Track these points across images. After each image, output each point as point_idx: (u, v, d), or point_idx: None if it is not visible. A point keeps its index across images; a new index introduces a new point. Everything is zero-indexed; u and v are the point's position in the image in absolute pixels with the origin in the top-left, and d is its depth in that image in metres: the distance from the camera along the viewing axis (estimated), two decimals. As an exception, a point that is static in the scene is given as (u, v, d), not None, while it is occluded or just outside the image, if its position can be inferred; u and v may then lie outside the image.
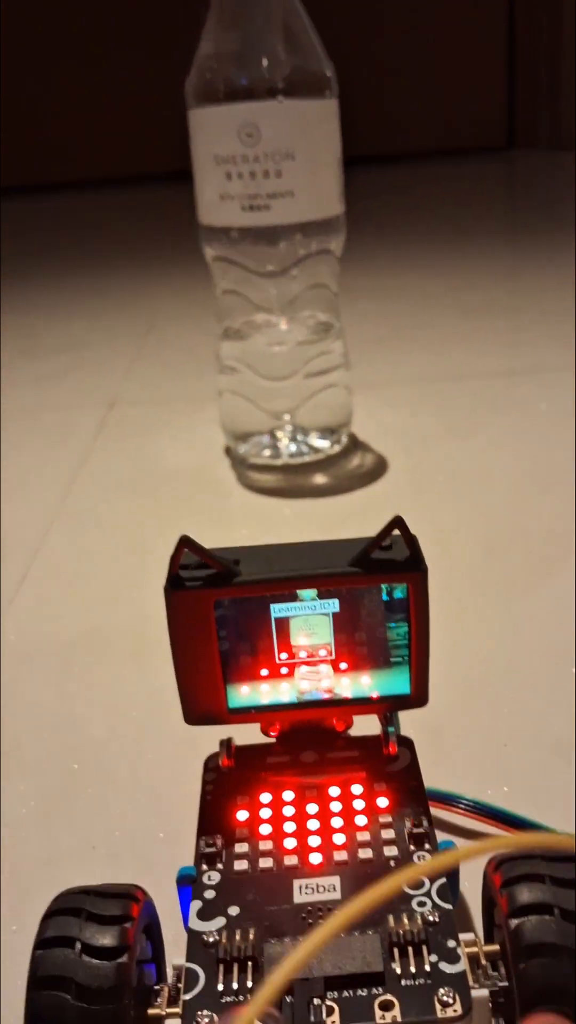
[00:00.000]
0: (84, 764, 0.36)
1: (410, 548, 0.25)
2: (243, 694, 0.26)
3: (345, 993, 0.21)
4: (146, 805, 0.33)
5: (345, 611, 0.26)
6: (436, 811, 0.30)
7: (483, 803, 0.30)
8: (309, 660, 0.26)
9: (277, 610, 0.25)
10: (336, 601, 0.25)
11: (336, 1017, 0.20)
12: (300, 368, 0.55)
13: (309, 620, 0.26)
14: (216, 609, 0.25)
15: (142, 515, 0.55)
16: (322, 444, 0.58)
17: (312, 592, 0.25)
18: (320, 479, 0.57)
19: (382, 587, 0.25)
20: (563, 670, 0.38)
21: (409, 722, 0.34)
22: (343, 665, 0.26)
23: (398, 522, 0.24)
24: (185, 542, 0.24)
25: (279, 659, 0.26)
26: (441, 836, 0.25)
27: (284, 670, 0.26)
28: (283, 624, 0.26)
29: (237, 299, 0.55)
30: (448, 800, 0.30)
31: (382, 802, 0.25)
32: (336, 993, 0.21)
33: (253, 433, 0.58)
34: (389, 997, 0.21)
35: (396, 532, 0.25)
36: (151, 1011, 0.21)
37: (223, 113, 0.49)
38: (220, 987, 0.21)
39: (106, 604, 0.46)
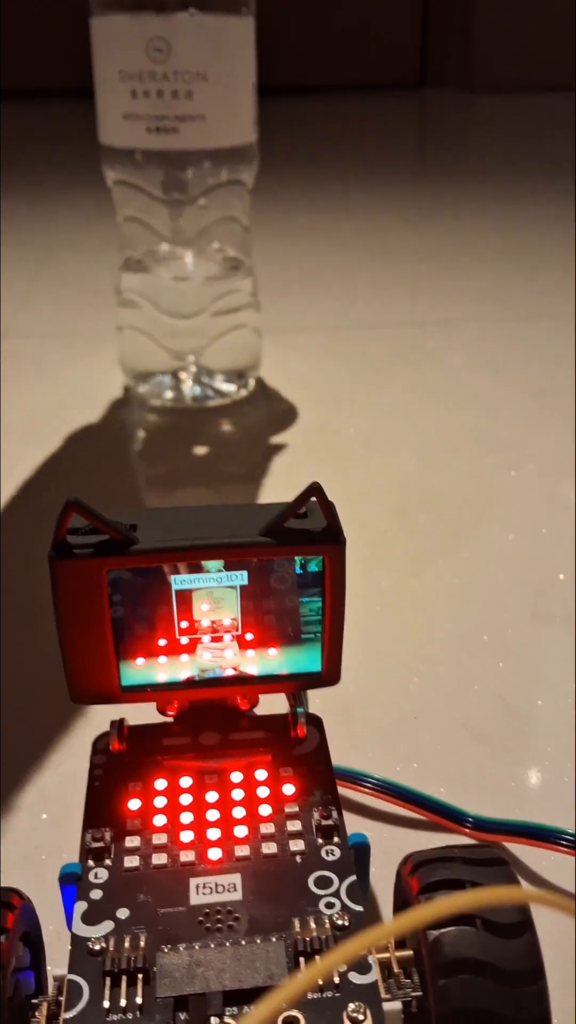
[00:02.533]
0: None
1: (328, 518, 0.22)
2: (138, 670, 0.24)
3: (246, 1008, 0.19)
4: (26, 791, 0.30)
5: (254, 583, 0.23)
6: (343, 790, 0.28)
7: (391, 782, 0.28)
8: (212, 634, 0.24)
9: (178, 581, 0.23)
10: (244, 573, 0.23)
11: (235, 1037, 0.18)
12: (207, 306, 0.52)
13: (213, 592, 0.23)
14: (108, 579, 0.22)
15: (29, 462, 0.51)
16: (228, 388, 0.55)
17: (218, 563, 0.23)
18: (226, 426, 0.54)
19: (296, 560, 0.23)
20: (474, 640, 0.37)
21: (315, 697, 0.32)
22: (249, 639, 0.24)
23: (315, 489, 0.22)
24: (74, 505, 0.21)
25: (179, 633, 0.24)
26: (350, 825, 0.23)
27: (185, 644, 0.24)
28: (184, 595, 0.23)
29: (140, 228, 0.51)
30: (355, 779, 0.28)
31: (288, 789, 0.23)
32: (236, 1009, 0.19)
33: (155, 373, 0.55)
34: (294, 1013, 0.19)
35: (313, 499, 0.22)
36: (27, 1031, 0.19)
37: (130, 24, 0.45)
38: (106, 1003, 0.19)
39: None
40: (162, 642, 0.24)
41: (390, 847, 0.27)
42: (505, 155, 1.37)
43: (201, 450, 0.52)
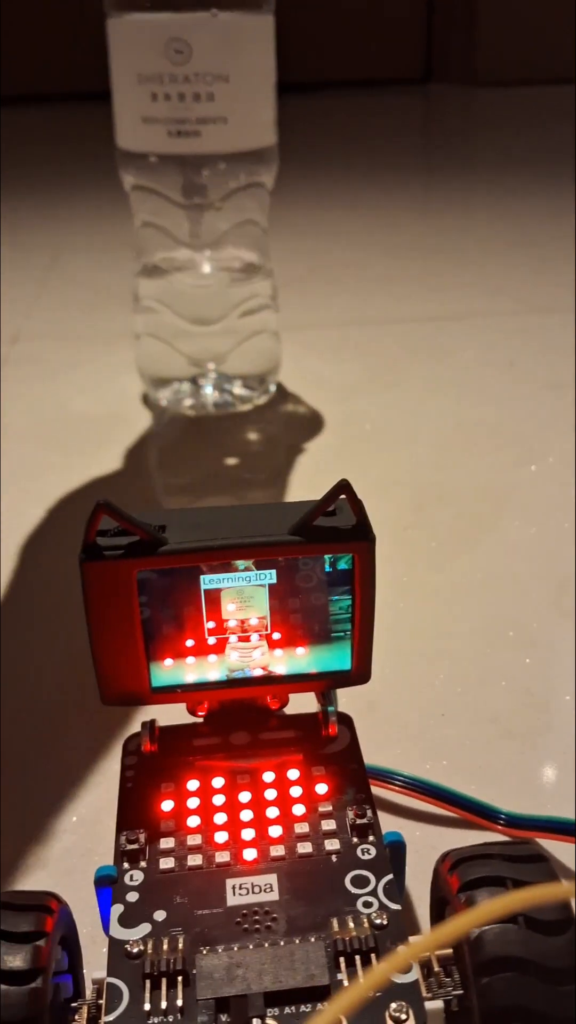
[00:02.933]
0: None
1: (357, 515, 0.22)
2: (167, 671, 0.24)
3: (288, 1010, 0.19)
4: (58, 794, 0.30)
5: (283, 582, 0.23)
6: (374, 788, 0.28)
7: (420, 779, 0.28)
8: (241, 634, 0.24)
9: (207, 581, 0.23)
10: (273, 572, 0.23)
11: (278, 1038, 0.18)
12: (227, 311, 0.52)
13: (243, 591, 0.23)
14: (138, 580, 0.22)
15: (49, 469, 0.51)
16: (248, 393, 0.55)
17: (247, 562, 0.23)
18: (247, 432, 0.54)
19: (325, 558, 0.23)
20: (499, 635, 0.36)
21: (341, 696, 0.32)
22: (278, 639, 0.24)
23: (344, 486, 0.22)
24: (104, 506, 0.21)
25: (208, 633, 0.24)
26: (383, 824, 0.23)
27: (214, 645, 0.24)
28: (214, 596, 0.23)
29: (157, 233, 0.51)
30: (385, 777, 0.28)
31: (321, 788, 0.23)
32: (277, 1010, 0.19)
33: (173, 379, 0.54)
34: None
35: (342, 497, 0.22)
36: (68, 1035, 0.19)
37: (148, 24, 0.44)
38: (147, 1006, 0.19)
39: (8, 570, 0.43)
40: (191, 643, 0.24)
41: (422, 845, 0.27)
42: (512, 147, 1.37)
43: (223, 457, 0.51)
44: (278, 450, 0.52)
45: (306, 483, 0.48)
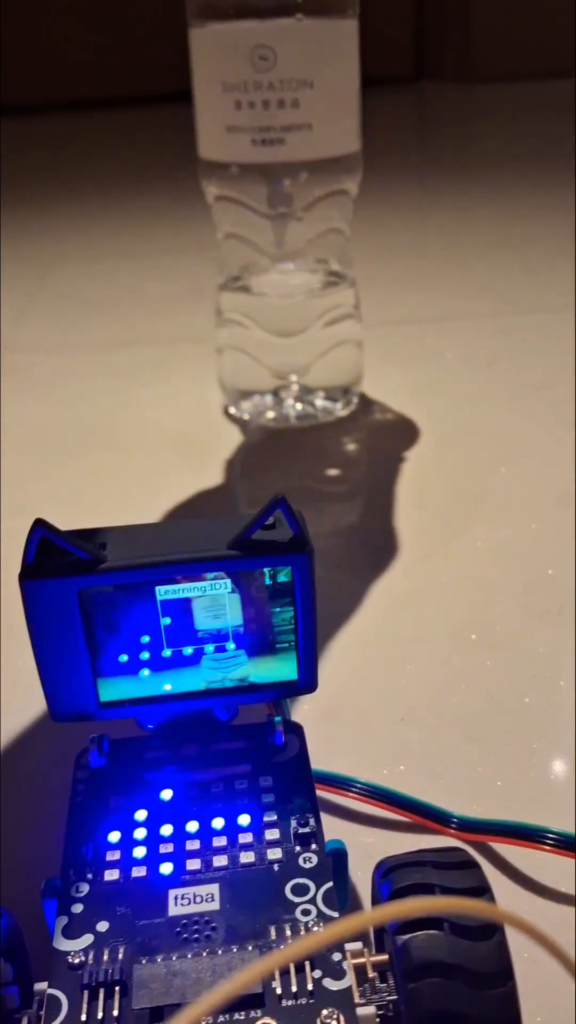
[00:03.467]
0: None
1: (295, 528, 0.23)
2: (116, 686, 0.24)
3: (220, 1018, 0.19)
4: (9, 807, 0.31)
5: (232, 595, 0.23)
6: (328, 795, 0.29)
7: (376, 786, 0.28)
8: (188, 646, 0.24)
9: (150, 595, 0.23)
10: (215, 585, 0.23)
11: (210, 1047, 0.19)
12: (312, 322, 0.51)
13: (184, 605, 0.24)
14: (80, 598, 0.23)
15: (129, 480, 0.50)
16: (331, 405, 0.54)
17: (190, 576, 0.23)
18: (343, 443, 0.53)
19: (265, 571, 0.23)
20: (463, 639, 0.37)
21: (303, 701, 0.32)
22: (225, 651, 0.24)
23: (280, 500, 0.22)
24: (40, 525, 0.22)
25: (155, 647, 0.24)
26: (329, 831, 0.24)
27: (163, 658, 0.24)
28: (156, 610, 0.23)
29: (241, 244, 0.50)
30: (340, 784, 0.29)
31: (267, 798, 0.24)
32: (210, 1018, 0.19)
33: (255, 392, 0.53)
34: (268, 1020, 0.19)
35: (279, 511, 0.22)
36: (9, 1046, 0.19)
37: (233, 32, 0.43)
38: (84, 1016, 0.19)
39: None
40: (138, 657, 0.24)
41: (376, 851, 0.27)
42: (506, 144, 1.37)
43: (306, 469, 0.51)
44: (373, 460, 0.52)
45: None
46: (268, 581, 0.23)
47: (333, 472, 0.51)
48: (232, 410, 0.55)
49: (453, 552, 0.42)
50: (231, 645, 0.24)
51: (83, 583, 0.22)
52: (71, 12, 1.84)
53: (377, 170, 1.25)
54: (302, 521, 0.23)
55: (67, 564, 0.22)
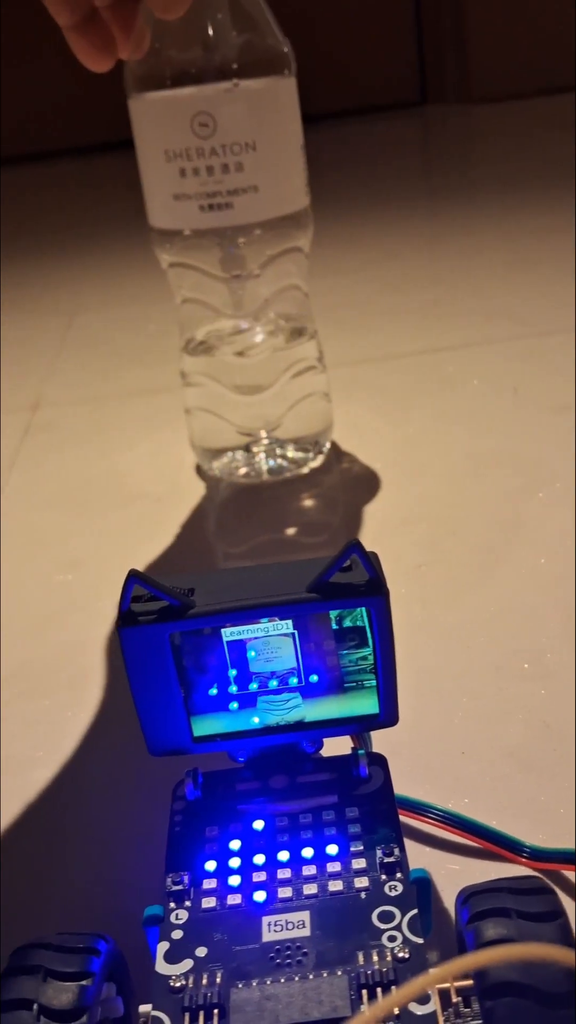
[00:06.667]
0: (42, 803, 0.35)
1: (370, 571, 0.24)
2: (208, 722, 0.26)
3: (313, 1041, 0.20)
4: (112, 840, 0.33)
5: (306, 635, 0.25)
6: (406, 819, 0.30)
7: (453, 813, 0.29)
8: (272, 684, 0.26)
9: (232, 635, 0.25)
10: (294, 625, 0.25)
11: (302, 1067, 0.20)
12: (275, 378, 0.52)
13: (268, 644, 0.25)
14: (172, 641, 0.24)
15: (101, 543, 0.52)
16: (303, 456, 0.54)
17: (271, 618, 0.24)
18: (304, 496, 0.53)
19: (340, 612, 0.24)
20: (514, 668, 0.37)
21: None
22: (308, 688, 0.26)
23: (355, 545, 0.24)
24: (135, 575, 0.23)
25: (243, 684, 0.25)
26: (415, 855, 0.25)
27: (248, 695, 0.26)
28: (243, 650, 0.25)
29: (199, 307, 0.51)
30: (419, 809, 0.30)
31: (354, 828, 0.25)
32: (303, 1039, 0.20)
33: (226, 449, 0.54)
34: (358, 1043, 0.20)
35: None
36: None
37: (172, 101, 0.43)
38: (187, 1036, 0.21)
39: (40, 634, 0.45)
40: (229, 692, 0.25)
41: (453, 878, 0.28)
42: (511, 163, 1.33)
43: (280, 522, 0.51)
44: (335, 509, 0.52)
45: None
46: (348, 622, 0.25)
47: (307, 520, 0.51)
48: (204, 468, 0.56)
49: (496, 581, 0.43)
50: (314, 678, 0.25)
51: (174, 628, 0.24)
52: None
53: (385, 197, 1.24)
54: (377, 564, 0.24)
55: (159, 611, 0.24)
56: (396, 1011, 0.20)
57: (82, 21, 0.38)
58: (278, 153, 0.46)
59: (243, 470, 0.54)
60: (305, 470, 0.54)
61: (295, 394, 0.53)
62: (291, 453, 0.54)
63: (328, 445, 0.56)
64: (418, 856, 0.29)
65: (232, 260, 0.48)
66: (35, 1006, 0.20)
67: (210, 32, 0.43)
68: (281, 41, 0.45)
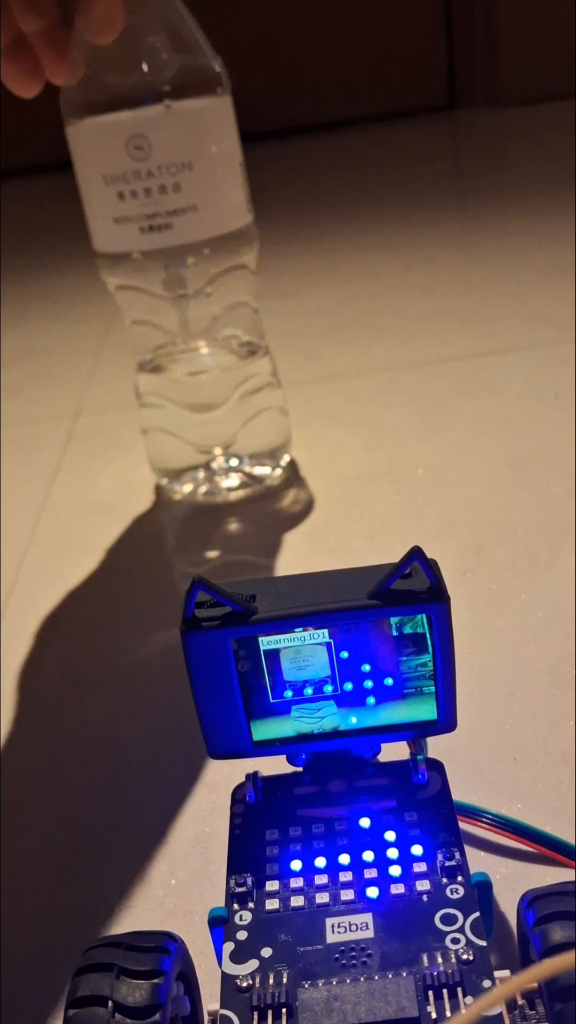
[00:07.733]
0: (97, 808, 0.35)
1: (432, 578, 0.24)
2: (266, 726, 0.26)
3: (379, 1039, 0.21)
4: (174, 843, 0.33)
5: (366, 642, 0.25)
6: (459, 824, 0.30)
7: (508, 818, 0.30)
8: (332, 690, 0.26)
9: (294, 641, 0.25)
10: (357, 632, 0.25)
11: (372, 1066, 0.20)
12: (229, 396, 0.51)
13: (328, 651, 0.25)
14: (234, 647, 0.25)
15: (59, 571, 0.51)
16: (262, 471, 0.54)
17: (330, 626, 0.25)
18: (264, 509, 0.53)
19: (400, 619, 0.25)
20: (564, 674, 0.37)
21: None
22: (366, 693, 0.26)
23: (417, 552, 0.24)
24: (199, 581, 0.24)
25: (301, 691, 0.26)
26: (473, 865, 0.25)
27: (305, 700, 0.26)
28: (304, 656, 0.25)
29: (149, 329, 0.51)
30: (473, 814, 0.30)
31: (413, 832, 0.25)
32: (369, 1040, 0.21)
33: (186, 469, 0.54)
34: (425, 1045, 0.20)
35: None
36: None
37: (106, 125, 0.43)
38: (256, 1035, 0.21)
39: (92, 638, 0.45)
40: (287, 698, 0.26)
41: (509, 882, 0.28)
42: (543, 167, 1.32)
43: (240, 539, 0.51)
44: (290, 524, 0.52)
45: (372, 546, 0.49)
46: (408, 629, 0.25)
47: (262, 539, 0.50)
48: (163, 487, 0.56)
49: (542, 586, 0.43)
50: (368, 687, 0.26)
51: (237, 633, 0.24)
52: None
53: (417, 203, 1.24)
54: (438, 571, 0.24)
55: (222, 617, 0.24)
56: (462, 1005, 0.20)
57: (8, 47, 0.39)
58: (215, 172, 0.46)
59: (204, 488, 0.54)
60: (263, 487, 0.54)
61: (248, 412, 0.52)
62: (250, 469, 0.54)
63: (287, 459, 0.56)
64: (472, 860, 0.29)
65: (175, 280, 0.47)
66: (109, 1003, 0.20)
67: (142, 55, 0.43)
68: (213, 60, 0.45)
